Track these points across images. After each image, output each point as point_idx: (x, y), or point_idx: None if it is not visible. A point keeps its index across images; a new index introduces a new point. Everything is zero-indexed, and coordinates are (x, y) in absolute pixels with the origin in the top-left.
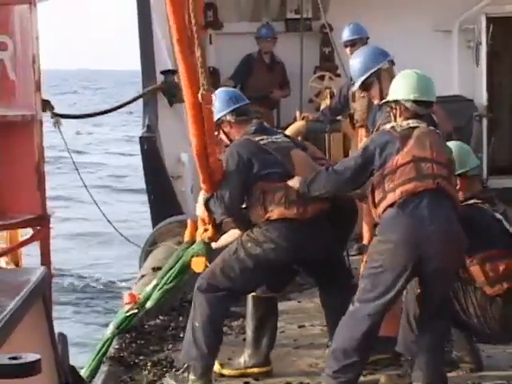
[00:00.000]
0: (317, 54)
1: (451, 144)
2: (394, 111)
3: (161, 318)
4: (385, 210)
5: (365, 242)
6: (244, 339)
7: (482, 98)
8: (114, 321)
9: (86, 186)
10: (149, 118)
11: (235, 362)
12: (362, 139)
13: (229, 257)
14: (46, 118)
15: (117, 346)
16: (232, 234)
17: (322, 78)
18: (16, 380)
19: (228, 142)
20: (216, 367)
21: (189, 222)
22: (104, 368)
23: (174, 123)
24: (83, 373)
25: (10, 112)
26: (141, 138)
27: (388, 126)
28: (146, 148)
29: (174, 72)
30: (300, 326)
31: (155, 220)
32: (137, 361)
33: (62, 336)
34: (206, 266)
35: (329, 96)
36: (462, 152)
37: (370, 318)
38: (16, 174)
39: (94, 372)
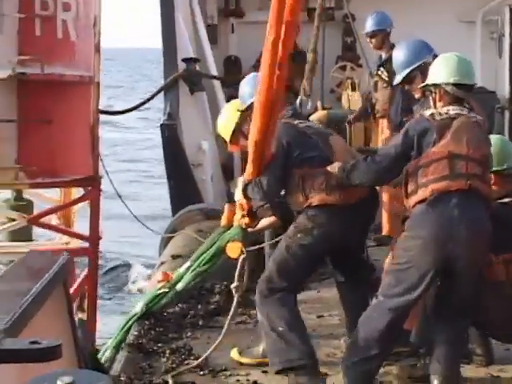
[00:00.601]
0: (339, 43)
1: (495, 138)
2: (434, 95)
3: (180, 305)
4: (414, 205)
5: (384, 232)
6: None
7: (504, 90)
8: (144, 298)
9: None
10: (170, 106)
11: (254, 350)
12: (383, 130)
13: (280, 255)
14: None
15: (136, 333)
16: (268, 219)
17: (343, 68)
18: (36, 364)
19: None
20: (234, 355)
21: (226, 206)
22: (123, 354)
23: (195, 111)
24: (109, 344)
25: (68, 71)
26: (162, 125)
27: (427, 113)
28: (167, 135)
29: (195, 60)
30: (319, 316)
31: (175, 208)
32: (155, 348)
33: (83, 321)
34: (242, 252)
35: (350, 86)
36: (503, 149)
37: (393, 313)
38: (70, 133)
39: (119, 344)
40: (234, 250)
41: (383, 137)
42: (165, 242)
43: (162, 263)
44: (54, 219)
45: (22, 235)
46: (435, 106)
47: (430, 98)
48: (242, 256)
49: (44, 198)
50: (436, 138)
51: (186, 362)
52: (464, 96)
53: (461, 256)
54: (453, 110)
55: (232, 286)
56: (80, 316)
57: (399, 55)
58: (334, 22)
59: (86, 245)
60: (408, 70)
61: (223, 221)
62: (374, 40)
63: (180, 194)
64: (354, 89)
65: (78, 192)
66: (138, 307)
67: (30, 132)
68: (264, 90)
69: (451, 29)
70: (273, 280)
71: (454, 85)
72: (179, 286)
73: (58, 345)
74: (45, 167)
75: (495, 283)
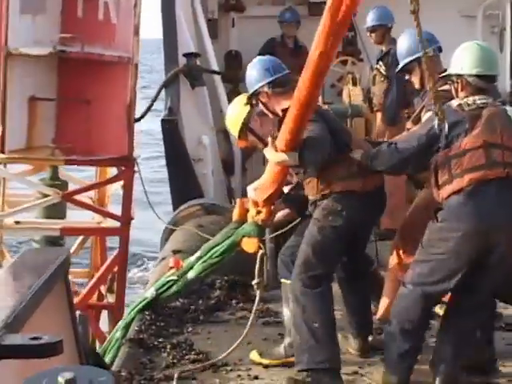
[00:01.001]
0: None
1: None
2: (456, 85)
3: (180, 300)
4: (449, 196)
5: (383, 226)
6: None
7: (505, 84)
8: (155, 284)
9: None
10: (171, 101)
11: (275, 351)
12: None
13: (313, 238)
14: None
15: (136, 328)
16: (282, 213)
17: (344, 62)
18: (37, 360)
19: (267, 112)
20: (255, 357)
21: (238, 201)
22: (123, 350)
23: (195, 106)
24: (119, 324)
25: (107, 52)
26: (162, 120)
27: (454, 104)
28: (168, 130)
29: (196, 55)
30: None
31: (176, 202)
32: (156, 343)
33: (83, 317)
34: (259, 248)
35: (351, 81)
36: None
37: (427, 300)
38: (107, 113)
39: (128, 325)
40: (251, 245)
41: (376, 129)
42: (166, 237)
43: (163, 259)
44: (87, 198)
45: (56, 213)
46: (457, 96)
47: (452, 87)
48: (261, 251)
49: (79, 181)
50: (468, 128)
51: (186, 357)
52: (487, 87)
53: (500, 245)
54: (479, 99)
55: (253, 282)
56: (109, 297)
57: (403, 44)
58: None
59: (118, 225)
60: (405, 61)
61: (235, 216)
62: (374, 35)
63: (181, 188)
64: (354, 83)
65: (113, 174)
66: (149, 292)
67: (68, 111)
68: (304, 94)
69: (452, 23)
70: (310, 263)
71: (477, 76)
72: (190, 275)
73: (58, 341)
74: (81, 146)
75: None
